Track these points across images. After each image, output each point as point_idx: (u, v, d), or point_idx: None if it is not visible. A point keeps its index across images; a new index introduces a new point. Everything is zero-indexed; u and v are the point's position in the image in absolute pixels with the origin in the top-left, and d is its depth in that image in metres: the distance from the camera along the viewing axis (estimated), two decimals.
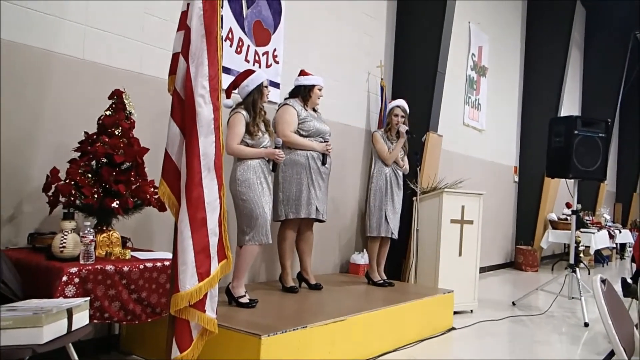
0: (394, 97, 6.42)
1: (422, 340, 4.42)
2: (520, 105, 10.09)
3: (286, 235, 4.45)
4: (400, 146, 5.03)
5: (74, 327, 2.32)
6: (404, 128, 4.68)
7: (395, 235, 5.15)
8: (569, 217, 8.60)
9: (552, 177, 6.30)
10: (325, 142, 4.49)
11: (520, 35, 9.99)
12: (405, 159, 5.24)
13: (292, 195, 4.35)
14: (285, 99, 4.55)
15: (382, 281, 5.10)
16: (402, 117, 5.08)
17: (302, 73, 4.60)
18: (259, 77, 3.92)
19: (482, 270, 7.29)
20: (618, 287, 3.48)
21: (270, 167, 3.95)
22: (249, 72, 3.97)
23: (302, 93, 4.50)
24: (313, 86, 4.50)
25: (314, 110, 4.60)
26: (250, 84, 3.88)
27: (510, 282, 8.31)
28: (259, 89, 3.89)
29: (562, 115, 9.43)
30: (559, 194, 9.92)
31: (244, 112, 3.83)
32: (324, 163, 4.46)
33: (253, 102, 3.87)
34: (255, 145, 3.83)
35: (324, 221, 4.57)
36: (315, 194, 4.40)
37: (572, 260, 6.01)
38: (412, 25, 6.47)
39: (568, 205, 9.39)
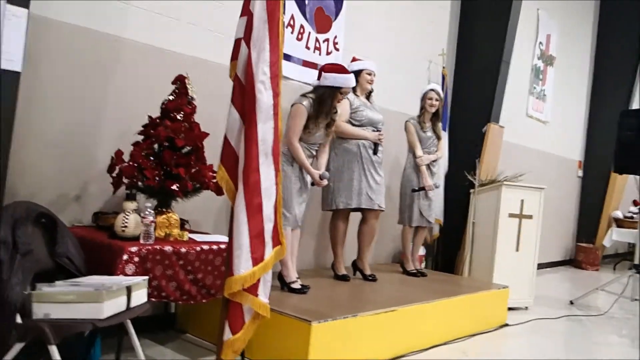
0: (455, 87, 6.32)
1: (473, 335, 4.35)
2: (588, 96, 9.69)
3: (337, 224, 4.43)
4: (425, 176, 4.85)
5: (132, 304, 2.40)
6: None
7: (431, 222, 5.06)
8: (635, 215, 8.29)
9: (620, 172, 6.07)
10: (377, 131, 4.44)
11: (593, 22, 9.56)
12: (442, 144, 5.11)
13: (343, 184, 4.31)
14: None
15: (415, 271, 5.03)
16: (436, 100, 4.89)
17: (353, 59, 4.55)
18: (343, 80, 3.80)
19: (540, 266, 7.09)
20: None
21: (310, 181, 3.91)
22: (342, 69, 3.88)
23: None
24: (361, 71, 4.43)
25: (368, 98, 4.53)
26: (333, 80, 3.78)
27: (569, 280, 8.07)
28: (337, 90, 3.80)
29: (634, 107, 9.01)
30: (626, 190, 9.51)
31: (306, 104, 3.75)
32: (375, 152, 4.40)
33: (323, 97, 3.79)
34: (304, 139, 3.80)
35: (380, 210, 4.51)
36: (368, 183, 4.34)
37: (637, 261, 5.80)
38: (477, 12, 6.29)
39: (635, 203, 9.05)
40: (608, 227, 9.24)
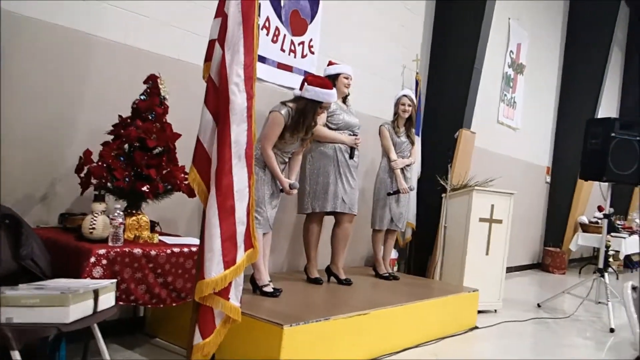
0: (428, 92, 6.37)
1: (444, 337, 4.39)
2: (556, 105, 9.88)
3: (311, 227, 4.41)
4: (400, 180, 4.89)
5: (99, 308, 2.34)
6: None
7: (402, 228, 5.10)
8: (600, 221, 8.46)
9: (586, 179, 6.17)
10: (354, 135, 4.44)
11: (561, 33, 9.76)
12: (415, 150, 5.16)
13: (319, 188, 4.30)
14: None
15: (387, 274, 5.05)
16: (409, 105, 4.93)
17: (329, 63, 4.55)
18: (325, 95, 3.78)
19: (509, 270, 7.19)
20: None
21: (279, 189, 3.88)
22: (326, 84, 3.85)
23: None
24: (338, 75, 4.43)
25: (344, 102, 4.54)
26: (313, 92, 3.74)
27: (537, 284, 8.20)
28: (318, 104, 3.77)
29: (599, 116, 9.21)
30: (592, 196, 9.72)
31: (285, 114, 3.71)
32: (351, 156, 4.40)
33: (304, 110, 3.76)
34: (279, 148, 3.78)
35: (353, 215, 4.51)
36: (343, 187, 4.34)
37: (601, 265, 5.90)
38: (451, 19, 6.37)
39: (600, 209, 9.23)
40: (574, 232, 9.41)
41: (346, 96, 4.56)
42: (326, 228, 4.57)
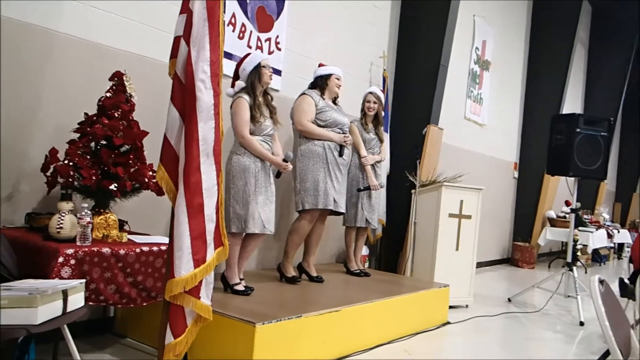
0: (395, 89, 6.42)
1: (416, 333, 4.42)
2: (522, 101, 10.06)
3: (301, 225, 4.38)
4: (370, 176, 4.92)
5: (69, 309, 2.31)
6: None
7: (375, 225, 5.13)
8: (567, 215, 8.63)
9: (552, 174, 6.29)
10: (343, 133, 4.46)
11: (525, 30, 9.94)
12: (385, 147, 5.20)
13: (309, 185, 4.30)
14: (304, 90, 4.51)
15: (358, 270, 5.09)
16: (374, 102, 4.99)
17: (320, 65, 4.62)
18: (255, 58, 3.82)
19: (479, 265, 7.31)
20: (614, 287, 3.48)
21: (274, 173, 3.90)
22: (246, 55, 3.90)
23: (320, 83, 4.49)
24: (330, 75, 4.49)
25: (334, 102, 4.58)
26: (247, 66, 3.80)
27: (507, 279, 8.31)
28: (257, 70, 3.79)
29: (564, 112, 9.41)
30: (559, 191, 9.92)
31: (246, 97, 3.73)
32: (341, 154, 4.43)
33: (251, 84, 3.78)
34: (257, 132, 3.74)
35: (342, 213, 4.53)
36: (333, 185, 4.36)
37: (569, 259, 6.00)
38: (417, 16, 6.43)
39: (567, 204, 9.41)
40: (542, 226, 9.59)
41: (336, 98, 4.61)
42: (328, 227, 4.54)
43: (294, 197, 4.46)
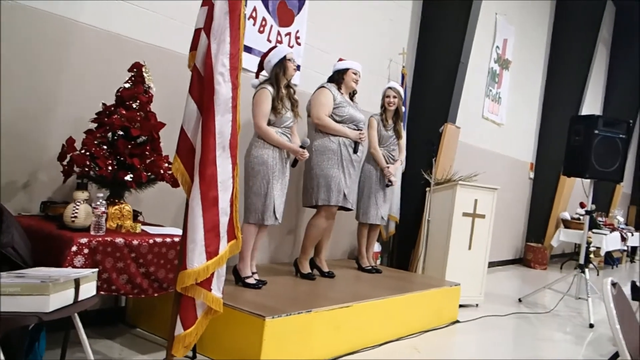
0: (414, 86, 6.37)
1: (426, 331, 4.41)
2: (541, 101, 9.95)
3: (319, 221, 4.37)
4: (382, 162, 4.89)
5: (80, 298, 2.32)
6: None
7: (385, 222, 5.11)
8: (582, 217, 8.56)
9: (568, 175, 6.22)
10: (358, 130, 4.44)
11: (547, 30, 9.81)
12: (402, 143, 5.09)
13: (322, 181, 4.28)
14: (322, 83, 4.49)
15: (370, 267, 5.08)
16: (394, 97, 4.94)
17: (340, 59, 4.59)
18: (281, 51, 3.87)
19: (491, 265, 7.26)
20: (627, 290, 3.45)
21: (291, 162, 3.92)
22: (272, 48, 3.94)
23: (336, 78, 4.46)
24: (347, 70, 4.46)
25: (351, 98, 4.55)
26: (272, 58, 3.85)
27: (518, 279, 8.27)
28: (282, 63, 3.83)
29: (583, 113, 9.30)
30: (574, 192, 9.82)
31: (270, 88, 3.77)
32: (355, 151, 4.41)
33: (275, 75, 3.82)
34: (277, 123, 3.78)
35: (352, 209, 4.52)
36: (345, 182, 4.34)
37: (582, 261, 5.96)
38: (438, 13, 6.37)
39: (582, 205, 9.32)
40: (556, 227, 9.50)
41: (354, 93, 4.58)
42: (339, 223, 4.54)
43: (303, 191, 4.43)
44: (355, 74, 4.49)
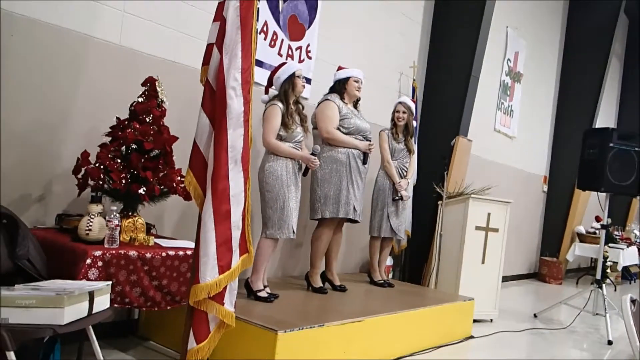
0: (425, 99, 6.38)
1: (439, 346, 4.37)
2: (554, 114, 9.91)
3: (322, 234, 4.36)
4: (395, 177, 4.89)
5: (94, 310, 2.34)
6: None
7: (401, 236, 5.10)
8: (597, 231, 8.47)
9: (583, 189, 6.18)
10: (367, 140, 4.44)
11: (559, 42, 9.79)
12: (413, 158, 5.10)
13: (331, 193, 4.27)
14: (325, 95, 4.48)
15: (382, 281, 5.05)
16: (403, 112, 4.94)
17: (339, 68, 4.56)
18: (290, 68, 3.92)
19: (505, 279, 7.20)
20: None
21: (302, 171, 3.94)
22: (282, 64, 3.97)
23: (338, 88, 4.44)
24: (348, 79, 4.44)
25: (355, 107, 4.54)
26: (282, 75, 3.89)
27: (533, 294, 8.19)
28: (290, 80, 3.88)
29: (597, 126, 9.24)
30: (589, 206, 9.72)
31: (280, 104, 3.81)
32: (364, 162, 4.40)
33: (284, 92, 3.87)
34: (288, 139, 3.81)
35: (359, 222, 4.51)
36: (354, 194, 4.32)
37: (598, 276, 5.89)
38: (448, 26, 6.39)
39: (598, 219, 9.25)
40: (571, 242, 9.40)
41: (357, 101, 4.56)
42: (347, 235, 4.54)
43: (310, 204, 4.40)
44: (356, 81, 4.45)
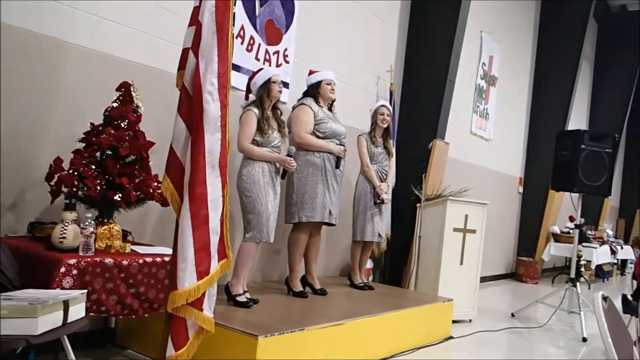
0: (402, 103, 6.41)
1: (419, 347, 4.39)
2: (528, 116, 10.05)
3: (299, 238, 4.34)
4: (375, 180, 4.91)
5: (69, 319, 2.30)
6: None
7: (382, 239, 5.12)
8: (571, 231, 8.59)
9: (557, 190, 6.27)
10: (341, 144, 4.43)
11: (532, 46, 9.95)
12: (392, 161, 5.13)
13: (307, 197, 4.25)
14: (299, 99, 4.47)
15: (362, 284, 5.05)
16: (387, 115, 4.98)
17: (310, 72, 4.55)
18: (266, 74, 3.92)
19: (483, 280, 7.25)
20: (617, 303, 3.45)
21: (280, 174, 3.93)
22: (259, 70, 3.98)
23: (312, 91, 4.43)
24: (319, 82, 4.43)
25: (330, 110, 4.53)
26: (258, 80, 3.90)
27: (510, 293, 8.27)
28: (266, 85, 3.88)
29: (569, 128, 9.40)
30: (563, 207, 9.87)
31: (255, 110, 3.82)
32: (337, 166, 4.38)
33: (260, 97, 3.88)
34: (264, 144, 3.81)
35: (335, 225, 4.50)
36: (330, 198, 4.32)
37: (573, 274, 5.99)
38: (424, 31, 6.44)
39: (571, 219, 9.39)
40: (546, 241, 9.53)
41: (332, 103, 4.55)
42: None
43: (286, 208, 4.37)
44: (329, 84, 4.43)
